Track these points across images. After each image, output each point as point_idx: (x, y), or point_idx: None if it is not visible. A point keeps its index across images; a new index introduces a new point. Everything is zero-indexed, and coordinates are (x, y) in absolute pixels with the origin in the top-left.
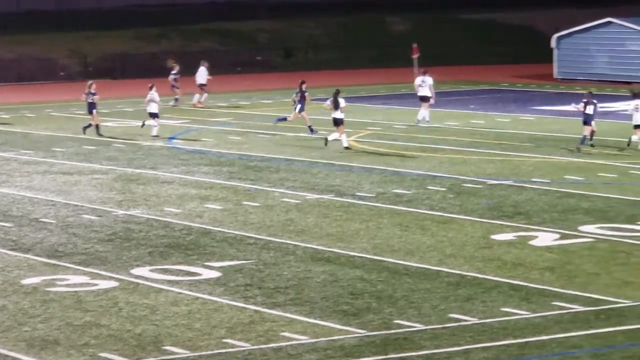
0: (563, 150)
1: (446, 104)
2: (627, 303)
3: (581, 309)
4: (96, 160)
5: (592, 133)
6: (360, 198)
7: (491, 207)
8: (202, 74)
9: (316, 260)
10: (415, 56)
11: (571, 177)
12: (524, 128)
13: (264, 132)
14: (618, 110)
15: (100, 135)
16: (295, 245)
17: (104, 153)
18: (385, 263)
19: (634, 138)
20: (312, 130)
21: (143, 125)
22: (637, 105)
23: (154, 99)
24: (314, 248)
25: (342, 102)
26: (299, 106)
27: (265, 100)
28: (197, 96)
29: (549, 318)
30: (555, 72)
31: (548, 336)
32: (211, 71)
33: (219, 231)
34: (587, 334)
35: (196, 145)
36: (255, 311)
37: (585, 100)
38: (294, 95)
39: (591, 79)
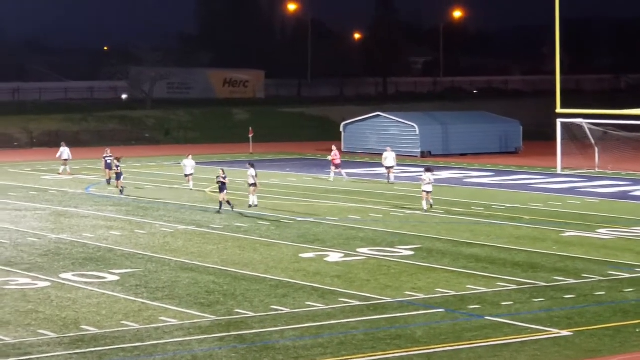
0: (346, 198)
1: (270, 167)
2: (388, 300)
3: (358, 303)
4: (37, 201)
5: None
6: (213, 228)
7: (299, 235)
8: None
9: (183, 270)
10: (250, 135)
11: (352, 216)
12: (320, 183)
13: (150, 184)
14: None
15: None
16: (169, 259)
17: (43, 197)
18: (229, 272)
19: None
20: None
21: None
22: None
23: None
24: (182, 261)
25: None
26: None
27: (151, 164)
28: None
29: (337, 309)
30: (343, 147)
31: (335, 321)
32: (114, 144)
33: (119, 249)
34: (362, 320)
35: (104, 192)
36: (142, 303)
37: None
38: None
39: (365, 152)
